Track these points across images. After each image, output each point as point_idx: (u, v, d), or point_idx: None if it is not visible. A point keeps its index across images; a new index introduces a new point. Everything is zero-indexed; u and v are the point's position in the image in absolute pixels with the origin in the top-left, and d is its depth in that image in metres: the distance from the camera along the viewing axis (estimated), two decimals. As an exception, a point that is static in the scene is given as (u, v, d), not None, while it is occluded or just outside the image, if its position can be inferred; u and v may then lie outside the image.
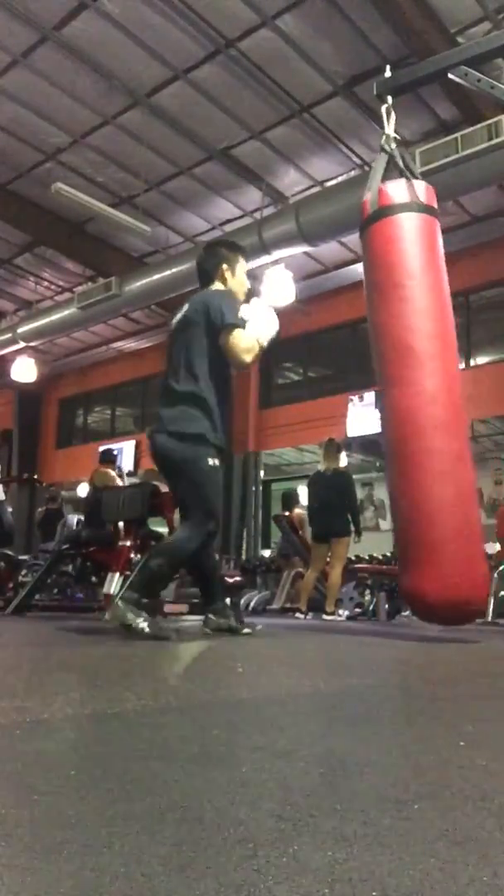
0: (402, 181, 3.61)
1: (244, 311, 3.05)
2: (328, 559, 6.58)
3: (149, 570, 2.93)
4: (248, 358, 2.97)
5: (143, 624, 2.75)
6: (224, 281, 3.22)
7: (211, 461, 2.97)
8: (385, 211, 3.54)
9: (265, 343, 3.03)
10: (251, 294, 3.37)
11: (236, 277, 3.27)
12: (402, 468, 3.39)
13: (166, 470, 3.13)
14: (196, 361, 3.01)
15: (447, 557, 3.18)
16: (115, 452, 7.54)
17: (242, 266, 3.31)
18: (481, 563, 3.38)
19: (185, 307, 3.21)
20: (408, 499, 3.33)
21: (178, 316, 3.22)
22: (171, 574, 3.15)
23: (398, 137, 3.85)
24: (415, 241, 3.47)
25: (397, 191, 3.56)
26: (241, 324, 2.95)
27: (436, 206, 3.63)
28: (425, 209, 3.54)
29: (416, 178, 3.68)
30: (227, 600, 3.32)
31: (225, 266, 3.24)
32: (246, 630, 3.24)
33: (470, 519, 3.31)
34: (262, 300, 3.23)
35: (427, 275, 3.46)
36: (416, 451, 3.28)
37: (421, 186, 3.60)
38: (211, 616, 3.24)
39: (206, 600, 3.33)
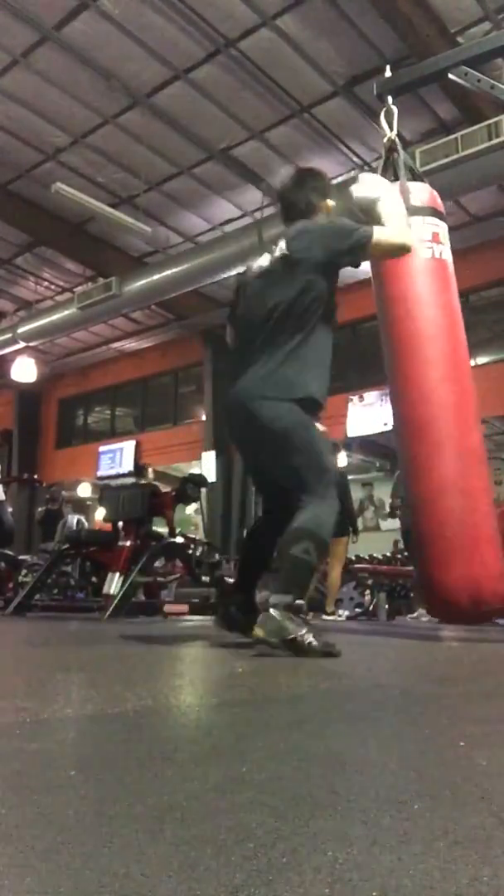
0: (401, 183, 3.59)
1: (360, 192, 2.59)
2: (328, 559, 6.58)
3: (294, 561, 2.33)
4: (406, 246, 2.50)
5: (309, 637, 2.21)
6: (325, 217, 2.70)
7: (320, 425, 2.53)
8: None
9: (408, 221, 2.57)
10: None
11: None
12: (406, 471, 3.47)
13: (263, 441, 2.50)
14: (305, 308, 2.46)
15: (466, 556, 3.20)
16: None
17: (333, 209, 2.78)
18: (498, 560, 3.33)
19: (279, 245, 2.57)
20: (413, 497, 3.38)
21: (269, 256, 2.60)
22: (319, 560, 2.46)
23: (396, 140, 3.83)
24: (421, 249, 3.46)
25: (408, 194, 3.55)
26: (367, 230, 2.45)
27: (438, 207, 3.63)
28: (427, 212, 3.54)
29: (421, 179, 3.68)
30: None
31: (329, 201, 2.71)
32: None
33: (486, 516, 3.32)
34: (367, 174, 2.77)
35: (433, 284, 3.46)
36: (420, 455, 3.32)
37: (423, 189, 3.60)
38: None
39: (240, 591, 2.75)
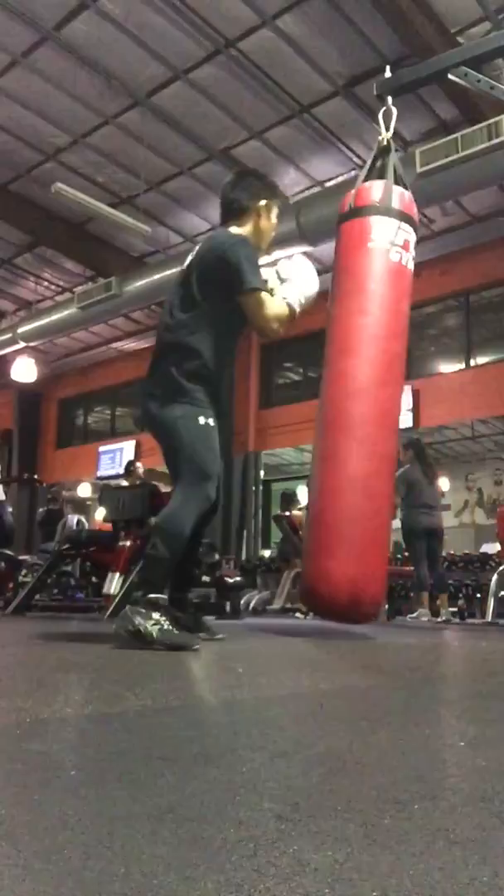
0: (383, 184, 3.57)
1: (282, 268, 2.68)
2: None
3: (146, 558, 2.53)
4: (275, 326, 2.58)
5: (150, 628, 2.31)
6: (258, 219, 2.76)
7: (202, 419, 2.58)
8: (359, 211, 3.51)
9: (298, 307, 2.62)
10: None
11: (271, 220, 2.82)
12: (315, 462, 3.44)
13: (155, 433, 2.72)
14: (198, 314, 2.62)
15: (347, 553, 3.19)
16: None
17: (277, 211, 2.86)
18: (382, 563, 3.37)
19: (196, 250, 2.76)
20: (316, 488, 3.37)
21: (188, 259, 2.76)
22: (172, 555, 2.52)
23: (391, 142, 3.81)
24: (378, 246, 3.43)
25: (375, 193, 3.52)
26: (265, 286, 2.57)
27: (414, 216, 3.60)
28: (399, 216, 3.51)
29: (404, 186, 3.64)
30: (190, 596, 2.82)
31: (264, 202, 2.77)
32: (202, 634, 2.76)
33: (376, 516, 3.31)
34: (300, 254, 2.85)
35: (382, 281, 3.44)
36: (337, 448, 3.30)
37: (404, 195, 3.57)
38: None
39: (171, 589, 2.81)
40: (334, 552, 3.20)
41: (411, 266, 3.52)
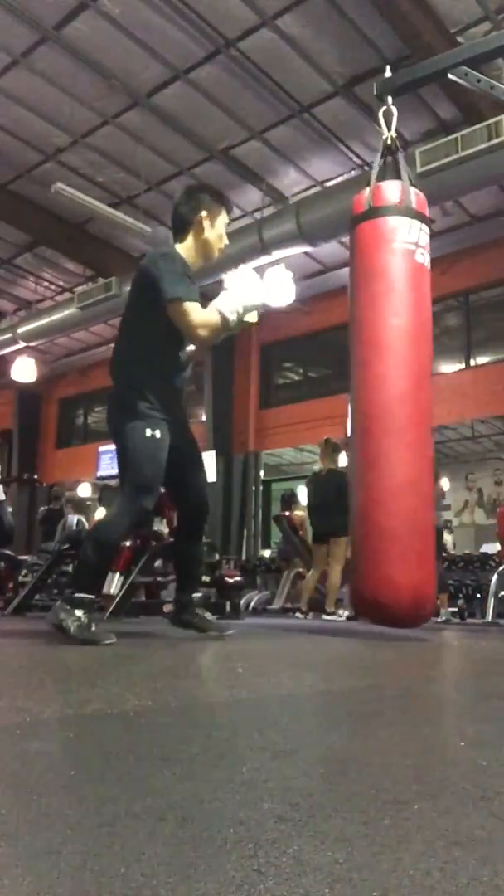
0: (400, 184, 3.57)
1: (227, 280, 2.78)
2: (328, 560, 6.58)
3: (78, 561, 2.78)
4: (203, 333, 2.67)
5: (69, 623, 2.54)
6: (201, 231, 2.86)
7: (149, 431, 2.71)
8: (378, 211, 3.51)
9: (235, 316, 2.69)
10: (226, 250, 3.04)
11: (215, 229, 2.90)
12: (363, 467, 3.41)
13: (114, 443, 2.90)
14: (136, 330, 2.80)
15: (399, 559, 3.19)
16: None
17: (224, 219, 2.94)
18: (429, 566, 3.35)
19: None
20: (368, 494, 3.35)
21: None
22: (100, 561, 2.75)
23: (395, 141, 3.82)
24: (401, 247, 3.44)
25: (392, 193, 3.53)
26: (188, 295, 2.65)
27: (427, 214, 3.62)
28: (417, 216, 3.51)
29: (412, 185, 3.65)
30: (196, 595, 3.02)
31: (205, 213, 2.86)
32: (212, 633, 2.97)
33: (421, 518, 3.31)
34: (246, 267, 2.96)
35: (407, 282, 3.44)
36: (387, 452, 3.30)
37: (419, 195, 3.58)
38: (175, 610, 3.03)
39: (177, 591, 3.10)
40: (394, 559, 3.18)
41: (428, 264, 3.55)
